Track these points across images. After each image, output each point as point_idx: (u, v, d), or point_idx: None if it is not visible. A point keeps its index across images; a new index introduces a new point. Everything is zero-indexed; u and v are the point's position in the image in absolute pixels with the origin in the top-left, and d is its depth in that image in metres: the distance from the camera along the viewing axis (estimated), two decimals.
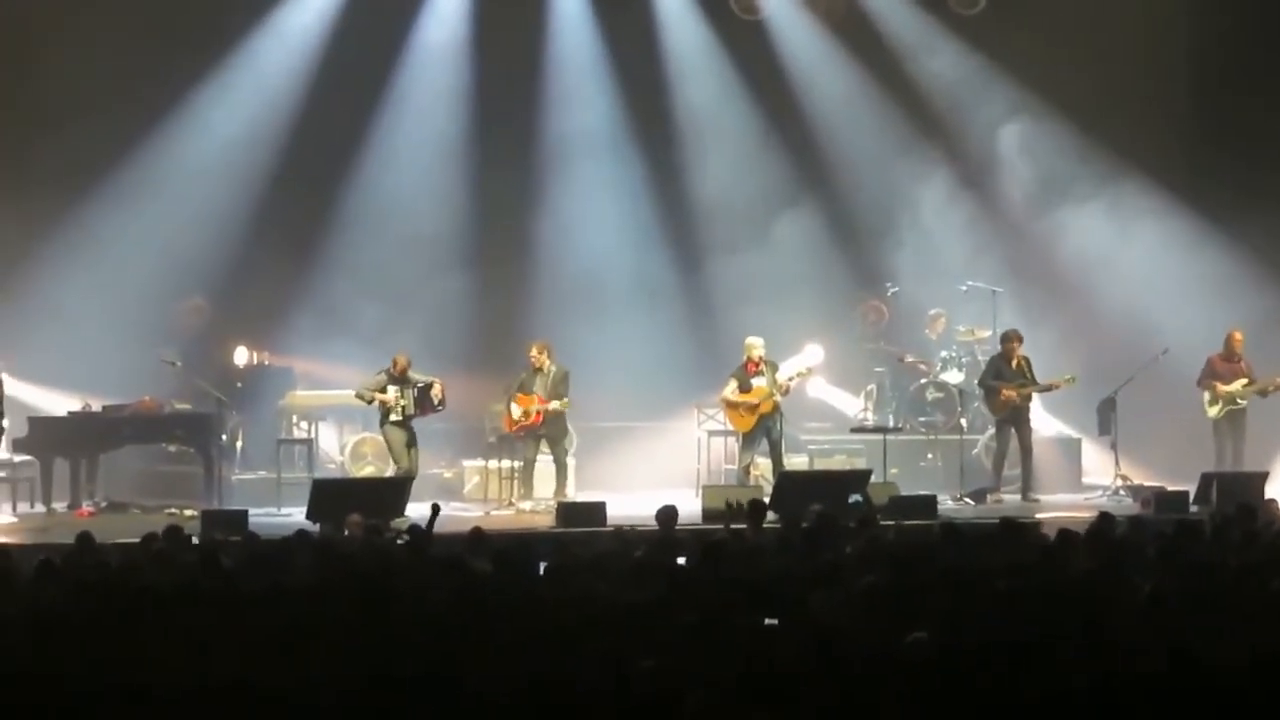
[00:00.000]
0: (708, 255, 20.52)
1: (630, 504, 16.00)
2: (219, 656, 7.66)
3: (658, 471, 18.54)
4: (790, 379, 17.51)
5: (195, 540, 12.35)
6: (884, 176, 20.60)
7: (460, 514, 16.54)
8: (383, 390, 17.16)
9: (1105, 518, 11.99)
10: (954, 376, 19.71)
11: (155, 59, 19.06)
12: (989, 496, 17.80)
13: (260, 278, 19.44)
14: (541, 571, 10.02)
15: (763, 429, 17.37)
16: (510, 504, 17.69)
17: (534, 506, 17.39)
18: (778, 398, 17.31)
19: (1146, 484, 17.62)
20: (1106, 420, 18.30)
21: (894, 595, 8.47)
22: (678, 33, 20.88)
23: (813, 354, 18.18)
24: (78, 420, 17.69)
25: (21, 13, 19.12)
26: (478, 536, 11.65)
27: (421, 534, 11.73)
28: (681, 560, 10.61)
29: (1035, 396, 18.22)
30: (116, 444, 17.80)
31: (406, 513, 15.37)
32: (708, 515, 15.34)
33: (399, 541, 12.00)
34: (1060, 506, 17.23)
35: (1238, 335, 18.41)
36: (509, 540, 12.32)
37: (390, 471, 17.52)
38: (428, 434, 17.82)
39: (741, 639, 7.80)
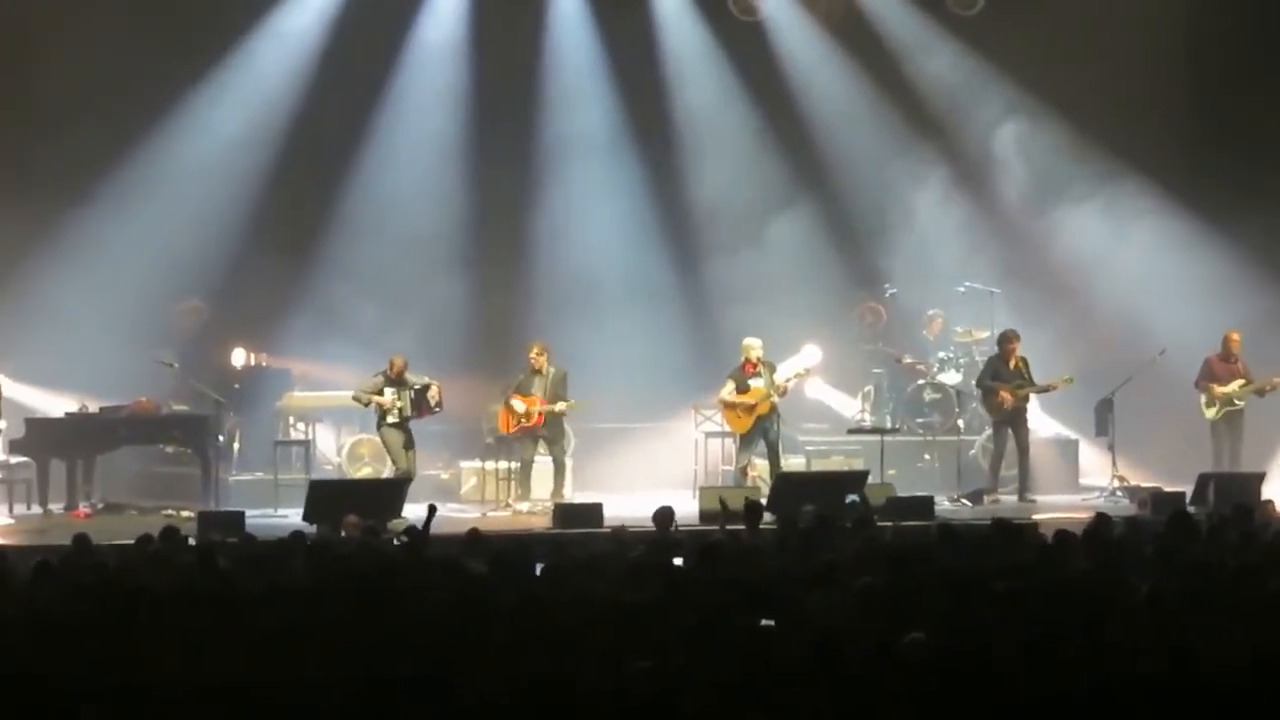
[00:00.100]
0: (705, 256, 20.52)
1: (628, 505, 15.98)
2: (216, 657, 7.65)
3: (655, 472, 18.55)
4: (788, 380, 17.52)
5: (192, 541, 12.36)
6: (882, 177, 20.61)
7: (457, 515, 16.53)
8: (380, 392, 17.16)
9: (1102, 518, 12.00)
10: (951, 377, 19.71)
11: (154, 60, 19.06)
12: (986, 497, 17.81)
13: (258, 279, 19.43)
14: (539, 572, 10.01)
15: (760, 430, 17.37)
16: (507, 505, 17.69)
17: (531, 507, 17.40)
18: (775, 399, 17.31)
19: (1144, 485, 17.63)
20: (1104, 421, 18.31)
21: (891, 596, 8.46)
22: (676, 33, 20.89)
23: (810, 355, 18.20)
24: (75, 421, 17.68)
25: (21, 14, 19.12)
26: (475, 537, 11.65)
27: (419, 535, 11.74)
28: (679, 561, 10.61)
29: (1033, 397, 18.22)
30: (113, 445, 17.79)
31: (404, 514, 15.37)
32: (705, 516, 15.33)
33: (396, 543, 12.01)
34: (1057, 507, 17.22)
35: (1235, 336, 18.41)
36: (506, 541, 12.33)
37: (388, 473, 17.52)
38: (425, 435, 17.82)
39: (739, 640, 7.79)
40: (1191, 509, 15.85)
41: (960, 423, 19.29)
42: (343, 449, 19.01)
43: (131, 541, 11.68)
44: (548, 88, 20.54)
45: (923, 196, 20.41)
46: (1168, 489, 16.95)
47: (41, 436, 17.36)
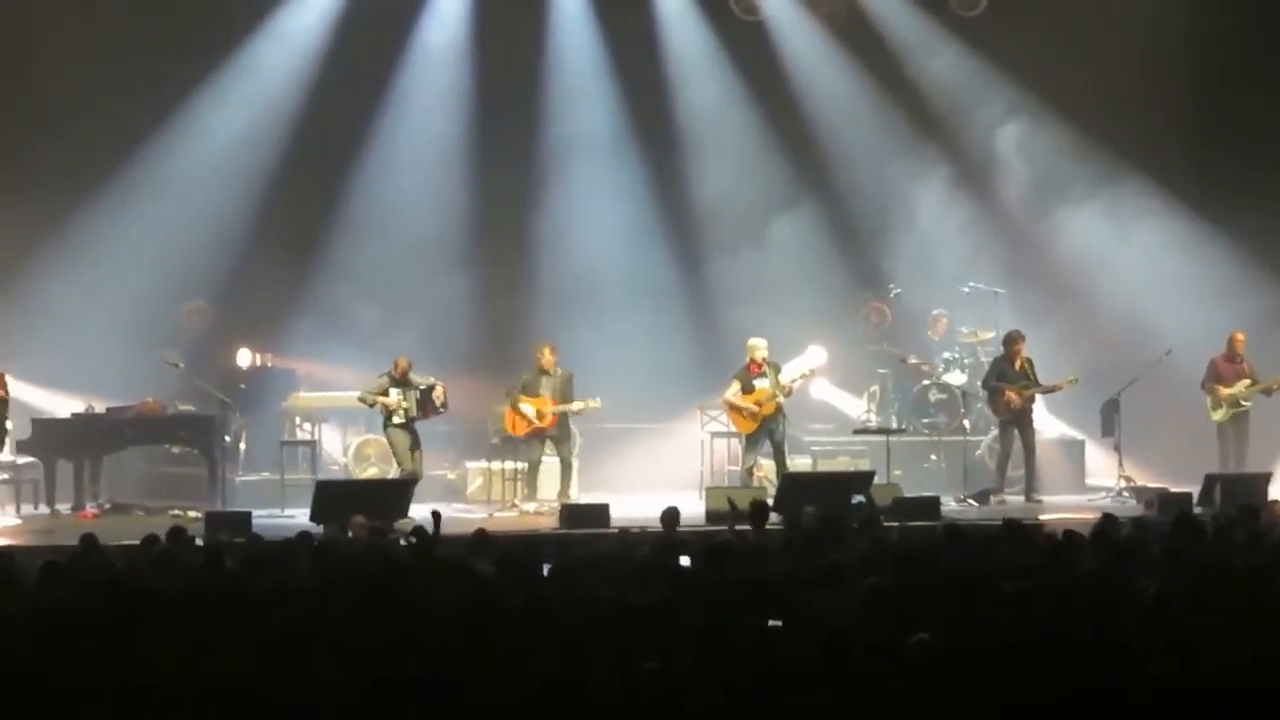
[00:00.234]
0: (708, 256, 20.54)
1: (634, 506, 16.01)
2: (223, 658, 7.65)
3: (661, 473, 18.55)
4: (793, 380, 17.52)
5: (199, 542, 12.36)
6: (884, 177, 20.62)
7: (464, 516, 16.55)
8: (385, 393, 17.15)
9: (1108, 519, 12.01)
10: (957, 378, 19.72)
11: (156, 61, 19.06)
12: (992, 498, 17.80)
13: (262, 279, 19.45)
14: (546, 573, 10.01)
15: (766, 430, 17.37)
16: (514, 505, 17.69)
17: (538, 508, 17.39)
18: (780, 399, 17.31)
19: (1150, 485, 17.63)
20: (1110, 421, 18.30)
21: (897, 596, 8.46)
22: (678, 34, 20.90)
23: (815, 355, 18.19)
24: (81, 422, 17.70)
25: (22, 14, 19.12)
26: (481, 538, 11.66)
27: (427, 535, 11.74)
28: (685, 561, 10.61)
29: (1038, 398, 18.21)
30: (120, 446, 17.82)
31: (409, 515, 15.37)
32: (711, 517, 15.34)
33: (403, 543, 12.01)
34: (1064, 508, 17.21)
35: (1240, 336, 18.40)
36: (513, 542, 12.31)
37: (394, 473, 17.52)
38: (431, 436, 17.82)
39: (746, 640, 7.79)
40: (1198, 509, 15.89)
41: (966, 423, 19.30)
42: (349, 449, 19.04)
43: (138, 542, 11.69)
44: (550, 88, 20.56)
45: (925, 197, 20.44)
46: (1174, 490, 16.94)
47: (48, 437, 17.37)
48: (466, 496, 18.58)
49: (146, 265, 19.04)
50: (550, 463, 17.81)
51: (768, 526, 12.89)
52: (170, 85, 19.40)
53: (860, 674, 6.93)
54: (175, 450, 18.37)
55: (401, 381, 17.17)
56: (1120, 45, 20.04)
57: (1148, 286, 19.69)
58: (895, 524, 14.01)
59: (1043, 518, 15.57)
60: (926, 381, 19.83)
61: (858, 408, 20.29)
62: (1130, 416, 18.21)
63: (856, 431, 19.39)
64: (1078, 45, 20.15)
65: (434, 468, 18.35)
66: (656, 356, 19.30)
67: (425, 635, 8.11)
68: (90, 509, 17.25)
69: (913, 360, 20.00)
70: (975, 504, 17.59)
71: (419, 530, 11.97)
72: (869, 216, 20.77)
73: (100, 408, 17.84)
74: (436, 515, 12.49)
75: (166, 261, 19.14)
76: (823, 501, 14.14)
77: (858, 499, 15.07)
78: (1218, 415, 18.26)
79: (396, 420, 17.14)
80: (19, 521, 16.84)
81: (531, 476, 17.73)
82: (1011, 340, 18.09)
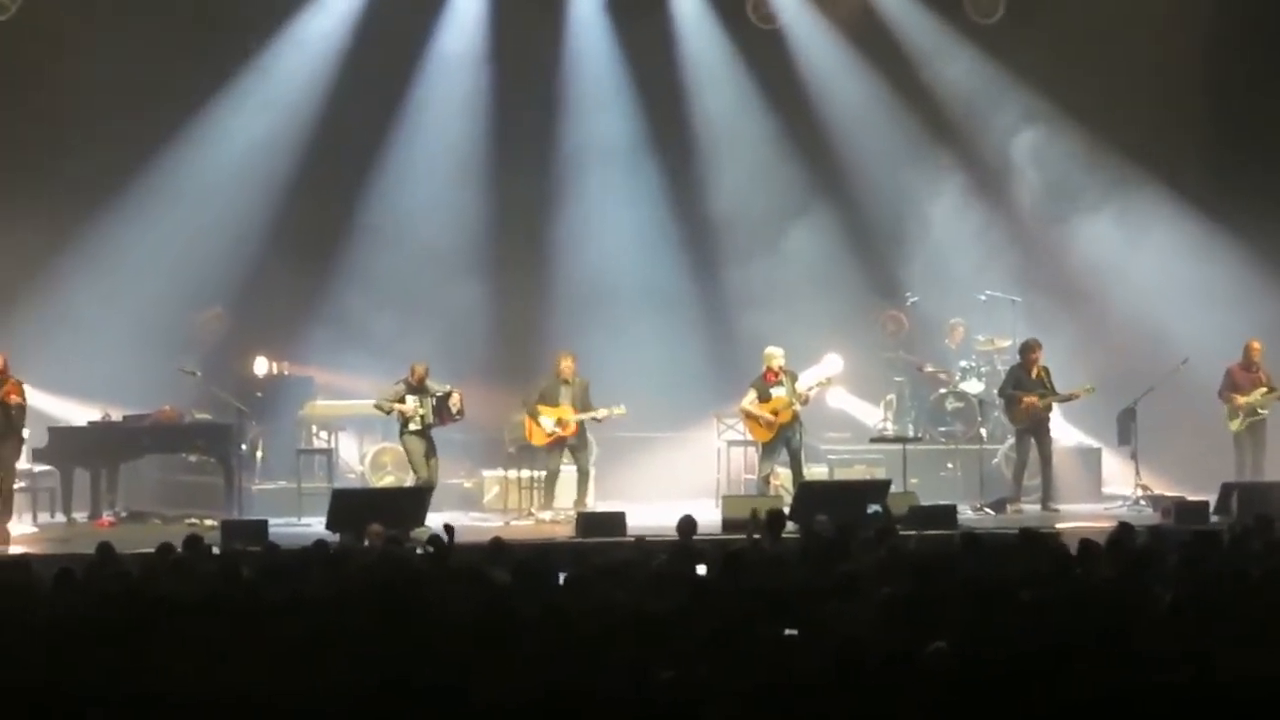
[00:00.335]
0: (725, 263, 20.53)
1: (650, 514, 16.02)
2: (238, 667, 7.66)
3: (677, 482, 18.54)
4: (810, 389, 17.50)
5: (215, 550, 12.38)
6: (899, 184, 20.62)
7: (480, 524, 16.56)
8: (401, 400, 17.14)
9: (1125, 528, 11.97)
10: (973, 386, 19.68)
11: (174, 69, 19.11)
12: (1009, 506, 17.75)
13: (278, 287, 19.48)
14: (561, 581, 10.01)
15: (782, 439, 17.34)
16: (530, 514, 17.68)
17: (554, 516, 17.37)
18: (797, 407, 17.29)
19: (1167, 494, 17.59)
20: (1126, 430, 18.27)
21: (914, 605, 8.45)
22: (694, 41, 20.91)
23: (832, 364, 18.16)
24: (98, 430, 17.74)
25: (42, 23, 19.16)
26: (498, 546, 11.66)
27: (443, 544, 11.74)
28: (702, 570, 10.60)
29: (1055, 406, 18.17)
30: (136, 454, 17.86)
31: (426, 523, 15.38)
32: (728, 525, 15.33)
33: (419, 551, 12.01)
34: (1080, 516, 17.16)
35: (1256, 344, 18.33)
36: (529, 550, 12.32)
37: (410, 481, 17.52)
38: (447, 444, 17.80)
39: (761, 649, 7.79)
40: (1215, 518, 15.85)
41: (983, 431, 19.27)
42: (365, 457, 19.05)
43: (154, 550, 11.70)
44: (566, 96, 20.58)
45: (940, 204, 20.41)
46: (1191, 498, 16.89)
47: (65, 445, 17.41)
48: (483, 505, 18.58)
49: (163, 272, 19.10)
50: (567, 471, 17.80)
51: (784, 535, 12.86)
52: (189, 91, 19.47)
53: (876, 683, 6.92)
54: (192, 459, 18.38)
55: (418, 388, 17.15)
56: (1136, 52, 20.00)
57: (1163, 293, 19.65)
58: (912, 533, 13.99)
59: (1059, 526, 15.56)
60: (943, 390, 19.81)
61: (874, 416, 20.26)
62: (1146, 424, 18.17)
63: (873, 440, 19.35)
64: (1093, 52, 20.10)
65: (450, 476, 18.35)
66: (672, 364, 19.30)
67: (441, 644, 8.12)
68: (107, 517, 17.30)
69: (929, 368, 19.98)
70: (992, 512, 17.54)
71: (435, 539, 11.97)
72: (885, 223, 20.76)
73: (117, 416, 17.88)
74: (450, 529, 12.48)
75: (183, 269, 19.20)
76: (839, 510, 14.10)
77: (874, 509, 15.05)
78: (1235, 425, 18.18)
79: (413, 427, 17.11)
80: (36, 530, 16.89)
81: (550, 485, 17.71)
82: (1028, 349, 18.05)
